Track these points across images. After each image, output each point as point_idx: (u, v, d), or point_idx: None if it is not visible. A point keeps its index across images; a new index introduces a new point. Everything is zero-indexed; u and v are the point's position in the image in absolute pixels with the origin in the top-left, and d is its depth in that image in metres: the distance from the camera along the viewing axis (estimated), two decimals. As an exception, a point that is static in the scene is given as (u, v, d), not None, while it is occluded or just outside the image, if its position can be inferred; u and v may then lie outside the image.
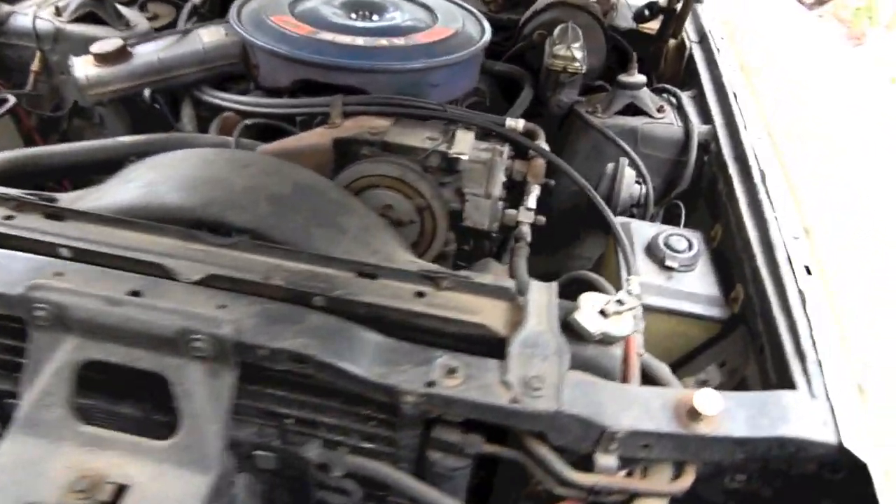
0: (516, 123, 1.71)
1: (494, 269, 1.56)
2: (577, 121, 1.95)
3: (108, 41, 1.83)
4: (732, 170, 1.64)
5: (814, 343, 1.16)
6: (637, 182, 1.80)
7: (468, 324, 1.11)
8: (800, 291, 1.26)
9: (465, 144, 1.59)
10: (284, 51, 1.76)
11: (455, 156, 1.53)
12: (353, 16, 2.04)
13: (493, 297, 1.18)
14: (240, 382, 1.05)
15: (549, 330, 1.10)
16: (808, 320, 1.20)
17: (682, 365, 1.48)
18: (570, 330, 1.11)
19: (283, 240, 1.22)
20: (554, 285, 1.19)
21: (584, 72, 1.94)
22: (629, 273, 1.38)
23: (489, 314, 1.15)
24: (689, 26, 2.32)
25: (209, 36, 1.91)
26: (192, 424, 1.04)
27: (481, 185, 1.55)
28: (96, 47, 1.81)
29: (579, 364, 1.09)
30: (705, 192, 1.81)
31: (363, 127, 1.59)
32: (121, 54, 1.83)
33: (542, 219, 1.71)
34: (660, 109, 1.94)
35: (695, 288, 1.48)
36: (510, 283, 1.24)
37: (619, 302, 1.15)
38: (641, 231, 1.61)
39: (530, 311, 1.12)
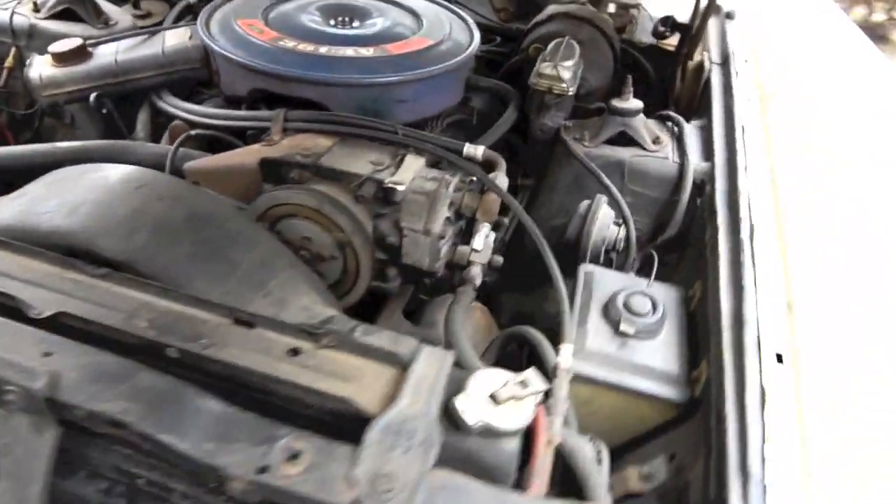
0: (475, 151, 1.52)
1: (441, 311, 1.39)
2: (561, 148, 1.74)
3: (68, 41, 1.76)
4: (721, 219, 1.40)
5: (763, 460, 0.93)
6: (616, 223, 1.57)
7: (330, 396, 0.95)
8: (762, 388, 1.02)
9: (408, 172, 1.42)
10: (239, 57, 1.64)
11: (391, 185, 1.35)
12: (332, 22, 1.90)
13: (381, 363, 1.01)
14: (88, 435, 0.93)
15: (423, 414, 0.91)
16: (764, 428, 0.97)
17: (632, 448, 1.26)
18: (451, 416, 0.92)
19: (158, 275, 1.09)
20: (449, 355, 1.00)
21: (571, 94, 1.73)
22: (563, 339, 1.17)
23: (365, 385, 0.98)
24: (713, 46, 2.05)
25: (173, 38, 1.81)
26: (12, 484, 0.92)
27: (421, 220, 1.38)
28: (54, 46, 1.75)
29: (457, 459, 0.90)
30: (695, 241, 1.56)
31: (298, 147, 1.44)
32: (79, 54, 1.76)
33: (499, 259, 1.52)
34: (655, 141, 1.70)
35: (652, 360, 1.25)
36: (405, 348, 1.07)
37: (523, 384, 0.96)
38: (605, 283, 1.39)
39: (408, 386, 0.95)
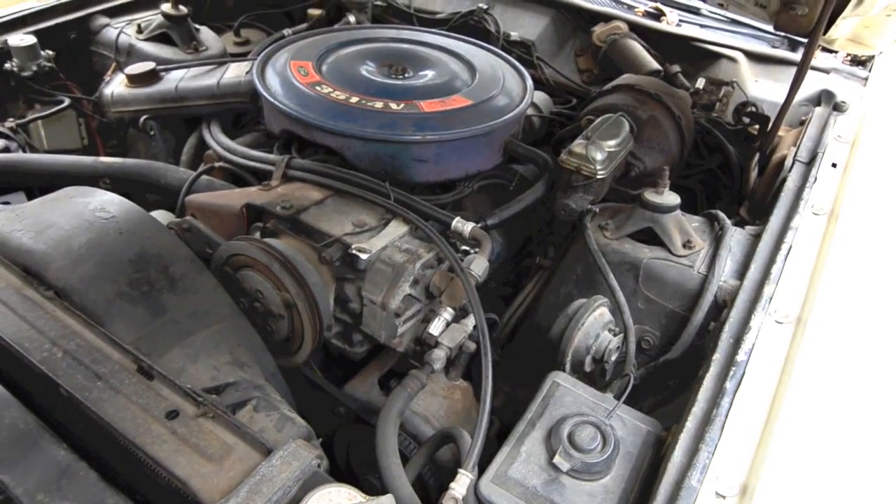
0: (463, 227, 1.42)
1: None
2: (580, 235, 1.58)
3: (142, 64, 1.92)
4: (717, 357, 1.17)
5: None
6: (612, 331, 1.39)
7: (174, 476, 0.91)
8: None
9: (381, 240, 1.36)
10: (271, 97, 1.68)
11: (355, 252, 1.30)
12: (387, 70, 1.89)
13: (251, 446, 0.97)
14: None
15: (247, 520, 0.85)
16: None
17: None
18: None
19: (87, 308, 1.13)
20: (311, 457, 0.93)
21: (600, 177, 1.56)
22: (463, 464, 1.04)
23: (225, 467, 0.94)
24: (807, 141, 1.76)
25: (232, 71, 1.91)
26: None
27: (380, 293, 1.31)
28: (130, 69, 1.91)
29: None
30: (695, 373, 1.33)
31: (286, 196, 1.44)
32: (150, 78, 1.91)
33: (472, 345, 1.40)
34: (687, 244, 1.48)
35: (581, 508, 1.07)
36: (276, 437, 1.01)
37: (371, 511, 0.86)
38: (567, 400, 1.23)
39: (245, 485, 0.88)
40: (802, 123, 1.90)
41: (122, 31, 2.17)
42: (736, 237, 1.52)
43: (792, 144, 1.79)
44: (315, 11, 2.62)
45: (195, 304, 1.20)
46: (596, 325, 1.37)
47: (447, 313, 1.31)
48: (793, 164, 1.69)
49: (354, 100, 1.69)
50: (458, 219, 1.43)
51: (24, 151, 1.87)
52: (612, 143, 1.63)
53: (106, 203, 1.30)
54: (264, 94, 1.70)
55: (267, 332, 1.34)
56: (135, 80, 1.89)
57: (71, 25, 2.17)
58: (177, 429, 0.98)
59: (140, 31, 2.19)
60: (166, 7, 2.17)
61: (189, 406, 1.01)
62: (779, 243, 1.40)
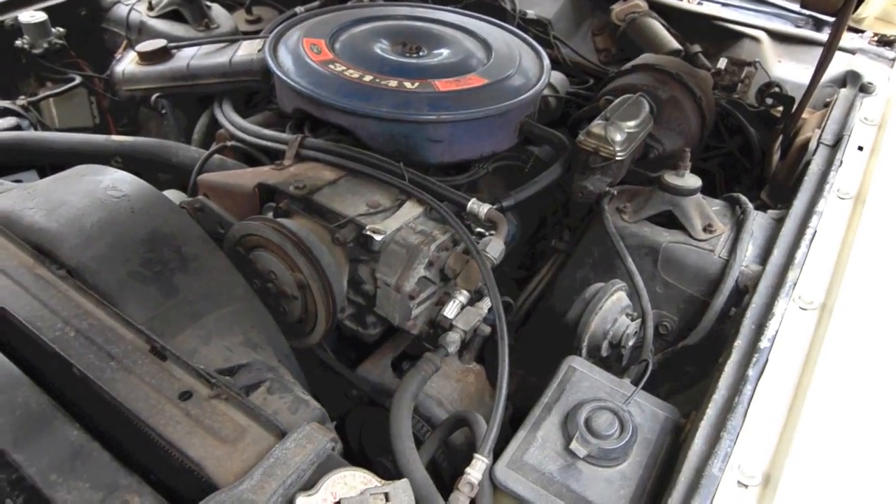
0: (479, 208, 1.40)
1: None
2: (598, 218, 1.55)
3: (153, 41, 1.90)
4: (739, 343, 1.15)
5: None
6: (630, 315, 1.36)
7: (186, 457, 0.90)
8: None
9: (396, 221, 1.34)
10: (283, 75, 1.65)
11: (369, 233, 1.28)
12: (401, 49, 1.86)
13: (264, 428, 0.96)
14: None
15: (260, 501, 0.84)
16: None
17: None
18: (294, 513, 0.84)
19: (99, 287, 1.12)
20: (325, 440, 0.91)
21: (619, 158, 1.53)
22: (478, 448, 1.03)
23: (238, 449, 0.93)
24: (832, 123, 1.71)
25: (244, 49, 1.88)
26: None
27: (395, 274, 1.29)
28: (141, 46, 1.89)
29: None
30: (714, 359, 1.30)
31: (300, 176, 1.42)
32: (161, 55, 1.89)
33: (486, 329, 1.38)
34: (707, 228, 1.45)
35: (596, 494, 1.05)
36: (290, 419, 1.00)
37: (385, 496, 0.85)
38: (584, 385, 1.20)
39: (259, 468, 0.87)
40: (827, 105, 1.85)
41: (133, 7, 2.14)
42: (758, 221, 1.48)
43: (816, 127, 1.74)
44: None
45: (208, 284, 1.19)
46: (614, 310, 1.34)
47: (462, 296, 1.29)
48: (817, 146, 1.65)
49: (368, 78, 1.65)
50: (473, 200, 1.40)
51: (36, 129, 1.85)
52: (631, 123, 1.59)
53: (118, 181, 1.28)
54: (277, 72, 1.67)
55: (280, 314, 1.32)
56: (146, 57, 1.87)
57: (81, 2, 2.15)
58: (190, 410, 0.97)
59: (151, 7, 2.16)
60: (177, -18, 2.13)
61: (202, 387, 1.00)
62: (803, 228, 1.36)
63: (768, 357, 1.09)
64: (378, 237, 1.27)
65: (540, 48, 1.93)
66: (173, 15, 2.15)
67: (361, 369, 1.48)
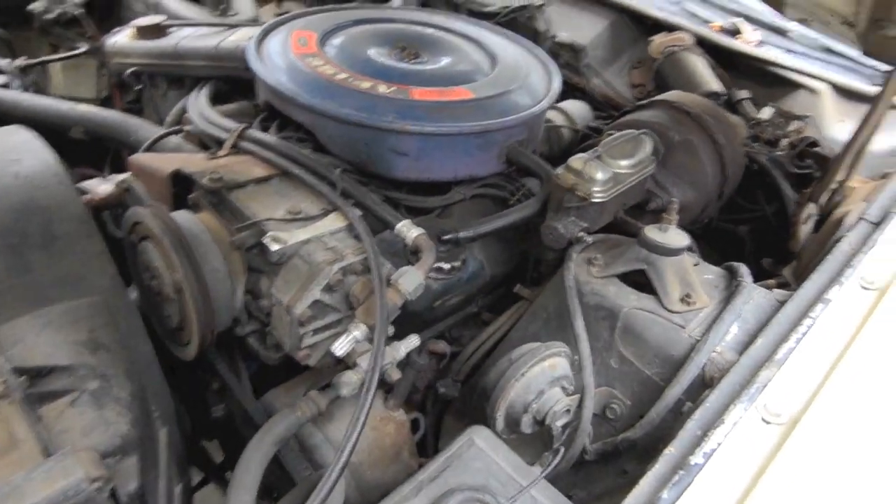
0: (407, 231, 1.20)
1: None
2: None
3: (151, 17, 1.84)
4: (669, 451, 0.88)
5: None
6: (564, 390, 1.12)
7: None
8: None
9: (305, 232, 1.16)
10: (253, 64, 1.53)
11: (267, 241, 1.11)
12: (399, 53, 1.70)
13: (39, 446, 0.80)
14: None
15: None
16: None
17: None
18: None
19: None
20: (81, 478, 0.74)
21: (596, 201, 1.29)
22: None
23: (5, 463, 0.77)
24: (885, 198, 1.39)
25: (238, 35, 1.78)
26: None
27: (289, 293, 1.11)
28: (138, 20, 1.83)
29: None
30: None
31: (224, 168, 1.27)
32: (156, 31, 1.82)
33: (395, 374, 1.17)
34: (685, 299, 1.18)
35: None
36: (67, 440, 0.84)
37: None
38: (472, 468, 0.97)
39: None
40: (886, 177, 1.53)
41: (156, -14, 2.11)
42: (756, 301, 1.20)
43: (864, 199, 1.43)
44: (365, -7, 2.47)
45: (69, 269, 1.05)
46: (542, 379, 1.10)
47: (359, 330, 1.08)
48: (858, 221, 1.34)
49: (342, 76, 1.50)
50: (405, 222, 1.21)
51: (27, 91, 1.82)
52: (623, 162, 1.35)
53: (21, 144, 1.19)
54: (250, 59, 1.54)
55: (163, 317, 1.17)
56: (142, 32, 1.81)
57: (108, -24, 2.15)
58: (-26, 407, 0.83)
59: (172, -12, 2.12)
60: (202, -33, 2.09)
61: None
62: (802, 317, 1.07)
63: (694, 479, 0.82)
64: (275, 247, 1.10)
65: (555, 69, 1.72)
66: (193, -2, 2.11)
67: (270, 395, 1.30)
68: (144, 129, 1.60)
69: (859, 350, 0.98)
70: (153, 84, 1.83)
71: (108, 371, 0.99)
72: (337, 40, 1.70)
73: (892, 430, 0.88)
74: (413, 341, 1.18)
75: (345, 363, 1.15)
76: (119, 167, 1.72)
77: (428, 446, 1.43)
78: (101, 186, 1.47)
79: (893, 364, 0.97)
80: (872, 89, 1.82)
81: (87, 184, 1.47)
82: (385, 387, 1.24)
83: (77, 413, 0.89)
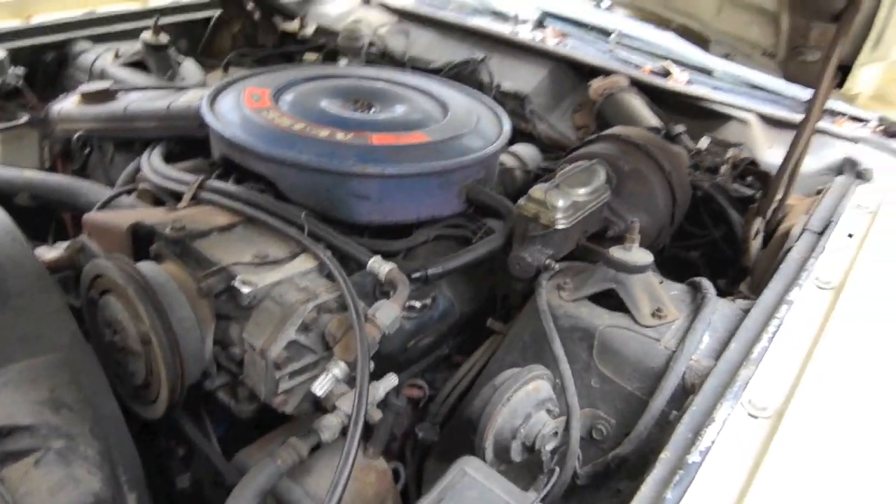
0: (380, 267, 1.19)
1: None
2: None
3: (97, 83, 1.83)
4: (665, 455, 0.88)
5: None
6: (550, 413, 1.11)
7: None
8: None
9: (275, 274, 1.14)
10: (207, 118, 1.53)
11: (237, 284, 1.08)
12: (352, 105, 1.73)
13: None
14: None
15: None
16: None
17: None
18: None
19: None
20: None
21: (560, 227, 1.32)
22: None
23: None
24: (822, 210, 1.49)
25: (188, 96, 1.79)
26: None
27: (262, 336, 1.08)
28: (84, 86, 1.82)
29: None
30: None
31: (185, 218, 1.25)
32: (104, 97, 1.80)
33: (376, 415, 1.14)
34: (656, 313, 1.21)
35: None
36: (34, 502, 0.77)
37: None
38: (466, 498, 0.94)
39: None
40: (820, 193, 1.63)
41: (100, 55, 2.11)
42: (721, 311, 1.24)
43: (804, 213, 1.52)
44: (311, 56, 2.54)
45: (27, 327, 0.99)
46: (527, 403, 1.09)
47: (338, 369, 1.05)
48: (802, 233, 1.42)
49: (299, 127, 1.52)
50: (375, 258, 1.21)
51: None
52: (581, 190, 1.40)
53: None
54: (205, 115, 1.55)
55: (127, 374, 1.11)
56: (88, 97, 1.79)
57: (50, 47, 2.13)
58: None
59: (117, 56, 2.12)
60: (146, 35, 2.10)
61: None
62: (769, 319, 1.11)
63: (695, 476, 0.82)
64: (246, 290, 1.08)
65: (503, 114, 1.79)
66: (139, 65, 2.11)
67: (241, 455, 1.23)
68: (95, 191, 1.56)
69: (827, 342, 1.02)
70: (101, 149, 1.80)
71: (73, 430, 0.92)
72: (290, 96, 1.72)
73: (869, 414, 0.91)
74: (392, 380, 1.16)
75: (323, 408, 1.12)
76: (63, 237, 1.66)
77: (410, 497, 1.37)
78: (49, 253, 1.41)
79: (859, 353, 1.01)
80: (795, 116, 1.97)
81: (35, 252, 1.41)
82: (364, 433, 1.20)
83: (42, 473, 0.82)
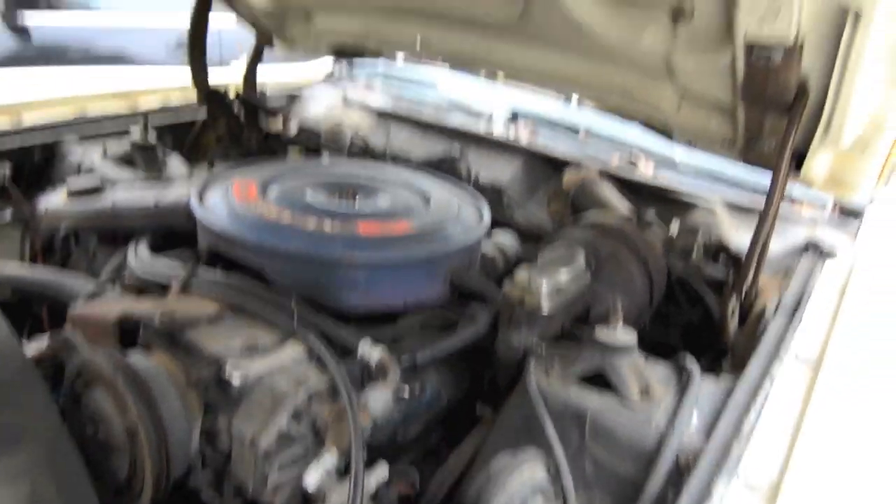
0: (371, 353, 1.20)
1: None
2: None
3: (84, 179, 1.86)
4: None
5: None
6: (546, 497, 1.09)
7: None
8: None
9: (265, 362, 1.14)
10: (198, 213, 1.56)
11: (228, 375, 1.08)
12: (336, 196, 1.79)
13: None
14: None
15: None
16: None
17: None
18: None
19: None
20: None
21: (545, 312, 1.35)
22: None
23: None
24: (793, 289, 1.56)
25: (177, 190, 1.82)
26: None
27: (252, 425, 1.06)
28: (72, 182, 1.85)
29: None
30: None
31: (170, 308, 1.25)
32: (90, 193, 1.83)
33: (370, 507, 1.11)
34: (645, 392, 1.22)
35: None
36: None
37: None
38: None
39: None
40: (787, 273, 1.71)
41: (86, 152, 2.15)
42: (706, 388, 1.25)
43: (776, 291, 1.58)
44: (296, 152, 2.63)
45: (10, 421, 0.96)
46: (523, 490, 1.07)
47: (329, 460, 1.03)
48: (776, 310, 1.47)
49: (287, 217, 1.56)
50: (365, 341, 1.21)
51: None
52: (563, 272, 1.44)
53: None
54: (194, 207, 1.58)
55: (108, 472, 1.07)
56: (76, 194, 1.81)
57: (38, 149, 2.17)
58: None
59: (105, 153, 2.16)
60: (135, 135, 2.16)
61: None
62: (754, 394, 1.14)
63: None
64: (237, 379, 1.07)
65: (483, 203, 1.86)
66: (126, 161, 2.15)
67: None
68: (79, 283, 1.55)
69: (814, 414, 1.05)
70: (84, 243, 1.80)
71: (53, 531, 0.88)
72: (276, 187, 1.78)
73: (861, 481, 0.93)
74: (383, 471, 1.14)
75: (313, 502, 1.08)
76: (40, 331, 1.63)
77: None
78: (32, 346, 1.38)
79: (846, 423, 1.03)
80: (757, 202, 2.08)
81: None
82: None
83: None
